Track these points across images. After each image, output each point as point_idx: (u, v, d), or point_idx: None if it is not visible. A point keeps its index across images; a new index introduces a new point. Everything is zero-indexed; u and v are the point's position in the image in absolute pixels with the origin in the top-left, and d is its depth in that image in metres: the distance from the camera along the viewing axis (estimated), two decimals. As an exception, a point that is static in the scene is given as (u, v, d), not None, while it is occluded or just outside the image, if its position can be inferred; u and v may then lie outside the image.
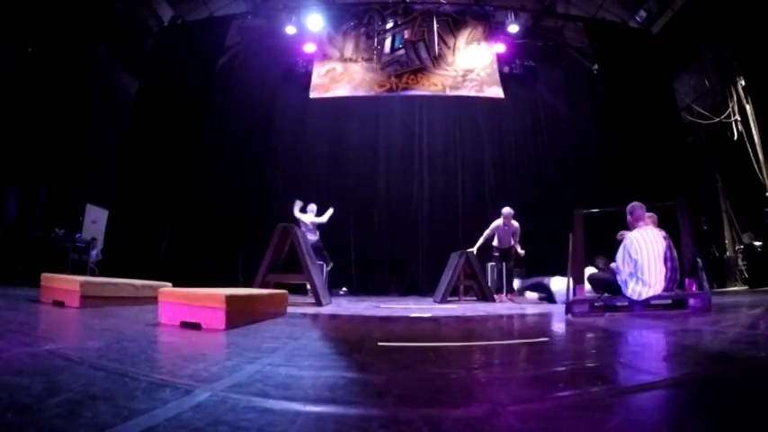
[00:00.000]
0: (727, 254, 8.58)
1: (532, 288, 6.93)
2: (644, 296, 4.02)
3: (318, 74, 9.67)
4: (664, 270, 4.14)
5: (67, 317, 3.12)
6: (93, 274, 7.43)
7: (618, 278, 4.19)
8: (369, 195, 9.77)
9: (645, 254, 4.08)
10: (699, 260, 4.29)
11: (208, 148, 9.54)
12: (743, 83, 8.06)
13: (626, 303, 4.06)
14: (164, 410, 1.10)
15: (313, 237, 7.15)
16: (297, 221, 6.94)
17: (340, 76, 9.64)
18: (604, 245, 5.84)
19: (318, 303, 5.42)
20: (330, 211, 7.34)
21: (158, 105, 8.89)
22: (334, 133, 9.87)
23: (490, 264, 6.95)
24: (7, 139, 6.44)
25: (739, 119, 8.18)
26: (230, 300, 2.77)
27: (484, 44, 9.63)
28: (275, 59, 9.62)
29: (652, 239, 4.16)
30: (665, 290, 4.14)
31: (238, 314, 2.89)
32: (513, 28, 9.35)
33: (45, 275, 3.92)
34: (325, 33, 9.68)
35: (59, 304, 3.58)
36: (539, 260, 8.08)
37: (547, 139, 10.09)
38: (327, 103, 9.63)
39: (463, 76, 9.57)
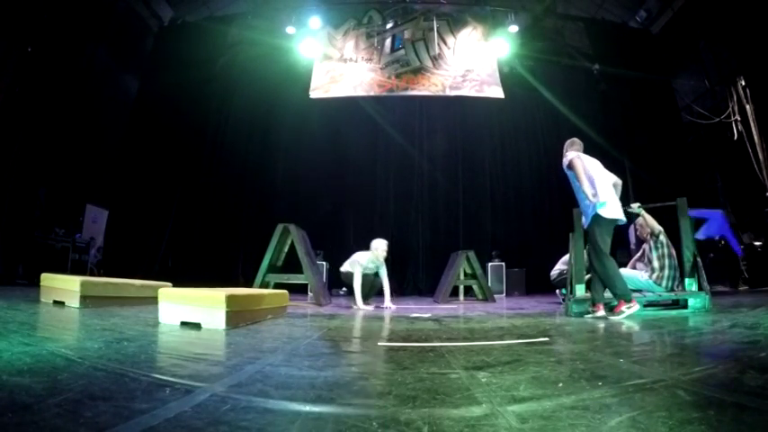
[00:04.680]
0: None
1: None
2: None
3: (318, 74, 9.67)
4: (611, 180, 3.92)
5: (67, 317, 3.12)
6: (93, 274, 7.43)
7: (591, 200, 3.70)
8: (369, 195, 9.77)
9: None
10: (699, 260, 4.29)
11: (208, 147, 9.55)
12: (743, 83, 8.05)
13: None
14: (164, 410, 1.10)
15: None
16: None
17: (340, 76, 9.64)
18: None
19: (318, 303, 5.43)
20: None
21: (158, 105, 8.90)
22: (334, 133, 9.87)
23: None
24: (7, 138, 6.43)
25: (739, 119, 8.17)
26: (230, 300, 2.77)
27: (484, 44, 9.63)
28: (275, 59, 9.61)
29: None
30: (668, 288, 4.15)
31: (238, 314, 2.89)
32: (513, 28, 9.35)
33: (45, 275, 3.92)
34: (325, 33, 9.68)
35: (59, 304, 3.58)
36: (538, 260, 8.10)
37: (547, 139, 10.09)
38: (327, 103, 9.63)
39: (463, 76, 9.58)
